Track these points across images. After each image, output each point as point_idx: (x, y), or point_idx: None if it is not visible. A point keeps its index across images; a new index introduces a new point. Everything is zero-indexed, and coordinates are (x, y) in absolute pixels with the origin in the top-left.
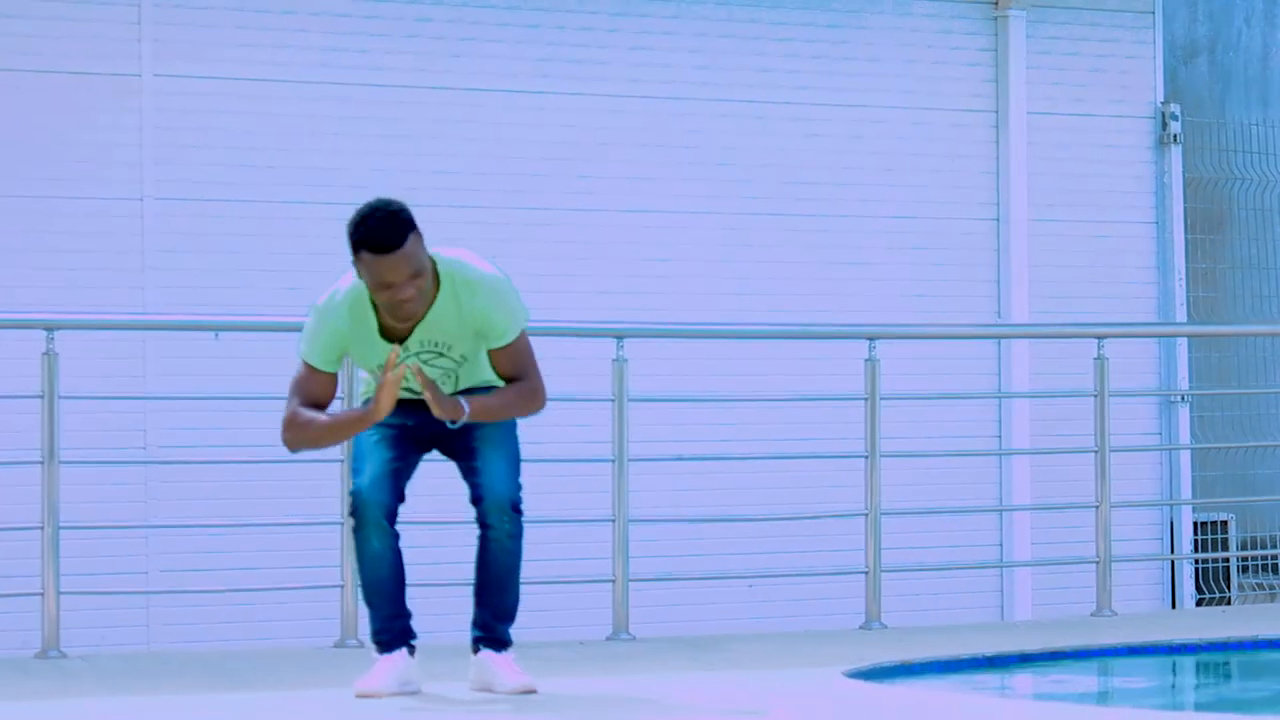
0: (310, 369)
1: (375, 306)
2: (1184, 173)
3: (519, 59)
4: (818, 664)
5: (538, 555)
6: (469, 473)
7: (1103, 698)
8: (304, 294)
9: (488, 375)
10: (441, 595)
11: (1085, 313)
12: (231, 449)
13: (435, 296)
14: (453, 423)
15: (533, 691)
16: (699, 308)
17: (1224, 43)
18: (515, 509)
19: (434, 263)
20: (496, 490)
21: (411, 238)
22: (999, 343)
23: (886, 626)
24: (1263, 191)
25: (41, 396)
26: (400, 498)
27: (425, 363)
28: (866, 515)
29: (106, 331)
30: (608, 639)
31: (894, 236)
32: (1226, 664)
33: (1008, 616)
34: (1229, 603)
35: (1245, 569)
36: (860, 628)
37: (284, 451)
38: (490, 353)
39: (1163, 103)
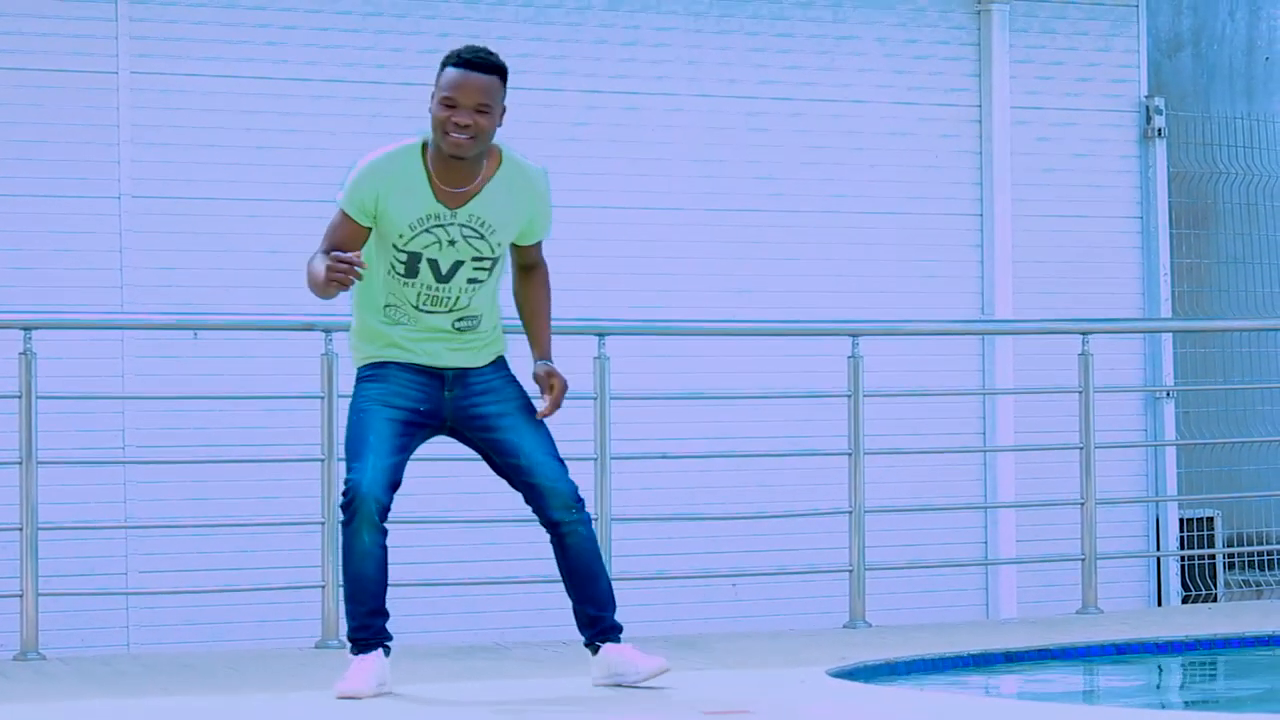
0: (342, 215)
1: (426, 164)
2: (1168, 167)
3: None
4: (801, 663)
5: (520, 555)
6: (515, 471)
7: (1088, 696)
8: (284, 293)
9: (491, 299)
10: (418, 596)
11: (1069, 308)
12: (211, 449)
13: (494, 174)
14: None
15: (666, 670)
16: (681, 305)
17: (1208, 36)
18: (578, 499)
19: (501, 150)
20: (558, 488)
21: (496, 81)
22: (983, 339)
23: (871, 625)
24: (1247, 186)
25: (19, 396)
26: (395, 491)
27: (465, 239)
28: (850, 513)
29: (84, 331)
30: None
31: (877, 232)
32: (1213, 662)
33: (992, 615)
34: (1215, 600)
35: (1231, 565)
36: (844, 626)
37: (263, 452)
38: (522, 248)
39: (1147, 96)
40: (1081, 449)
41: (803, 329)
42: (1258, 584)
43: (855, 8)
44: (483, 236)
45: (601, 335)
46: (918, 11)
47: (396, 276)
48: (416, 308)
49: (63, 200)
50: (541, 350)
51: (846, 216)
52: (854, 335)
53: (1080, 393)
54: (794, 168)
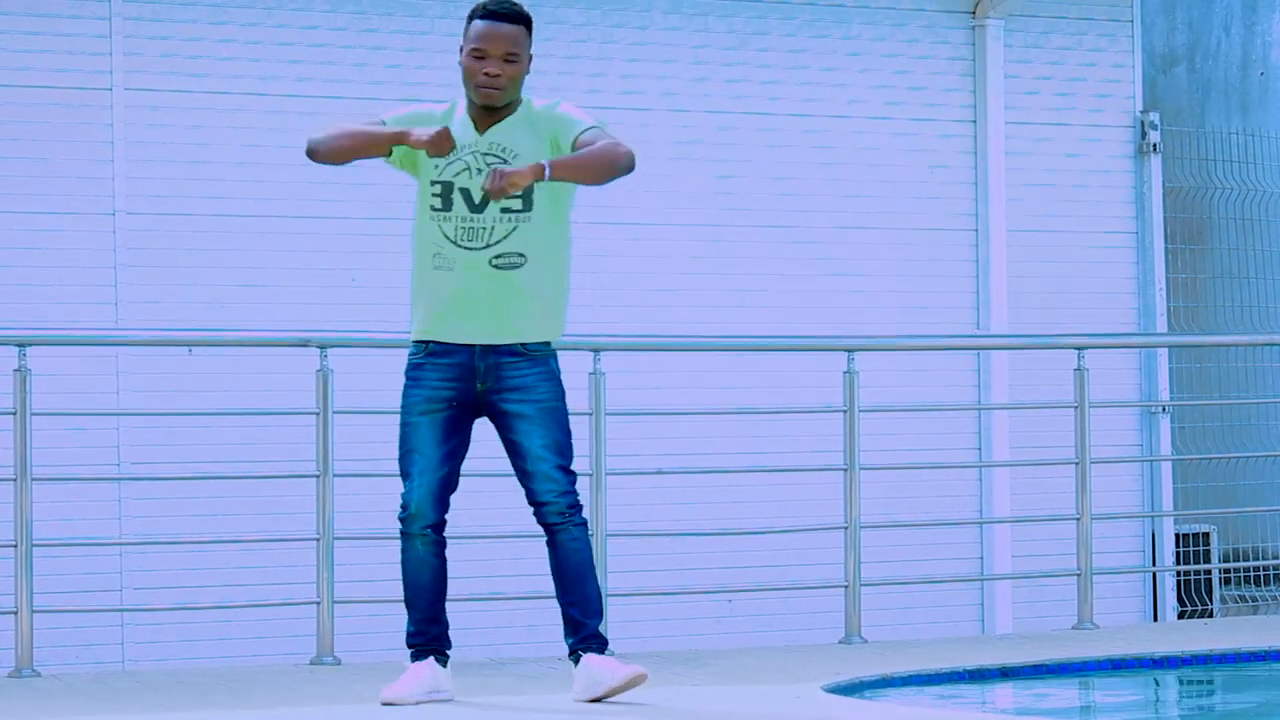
0: (380, 123)
1: (465, 111)
2: (1164, 182)
3: None
4: (797, 679)
5: (516, 571)
6: (519, 474)
7: (1084, 711)
8: (277, 310)
9: (543, 236)
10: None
11: (1065, 323)
12: (206, 465)
13: (514, 112)
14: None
15: (643, 678)
16: (677, 320)
17: (1203, 51)
18: (572, 507)
19: (525, 97)
20: (552, 499)
21: (522, 30)
22: (978, 354)
23: (866, 640)
24: (1243, 201)
25: (14, 413)
26: (449, 500)
27: (489, 166)
28: (846, 528)
29: (79, 347)
30: None
31: (873, 247)
32: (1208, 677)
33: (988, 630)
34: (1211, 615)
35: (1227, 581)
36: (840, 642)
37: (258, 468)
38: (574, 144)
39: (1142, 112)
40: (1077, 464)
41: (798, 344)
42: (1254, 599)
43: (849, 23)
44: (505, 161)
45: (597, 351)
46: (912, 27)
47: (435, 214)
48: (455, 243)
49: (57, 217)
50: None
51: (841, 231)
52: (849, 350)
53: (1076, 408)
54: (790, 183)
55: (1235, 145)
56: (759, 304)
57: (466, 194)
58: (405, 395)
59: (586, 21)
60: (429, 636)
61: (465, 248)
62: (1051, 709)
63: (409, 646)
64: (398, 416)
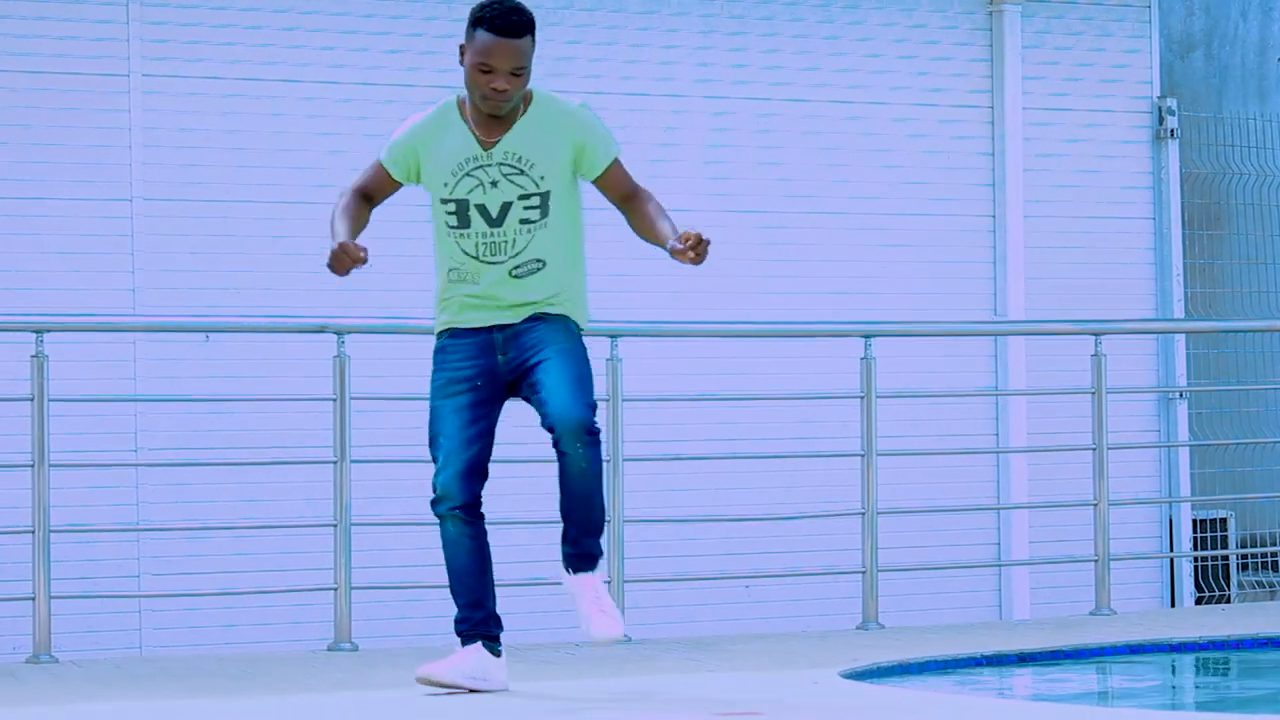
0: (377, 165)
1: (463, 115)
2: (1181, 168)
3: None
4: (814, 664)
5: (532, 557)
6: (536, 403)
7: (1101, 697)
8: (294, 295)
9: (559, 238)
10: (433, 598)
11: (1082, 309)
12: (223, 451)
13: (525, 111)
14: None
15: (614, 641)
16: (694, 306)
17: (1221, 36)
18: (588, 432)
19: (532, 90)
20: (565, 418)
21: (528, 41)
22: (996, 340)
23: (883, 626)
24: (1260, 186)
25: (31, 399)
26: (483, 478)
27: (505, 177)
28: (863, 514)
29: (96, 334)
30: None
31: (889, 234)
32: (1226, 662)
33: (1006, 616)
34: (1228, 601)
35: (1245, 566)
36: (857, 628)
37: (275, 454)
38: (604, 180)
39: (1159, 97)
40: (1094, 450)
41: (816, 330)
42: (1271, 585)
43: (869, 9)
44: (522, 172)
45: (614, 337)
46: (928, 12)
47: (452, 231)
48: (476, 259)
49: (74, 203)
50: (670, 234)
51: (859, 218)
52: (867, 336)
53: (1093, 394)
54: (806, 169)
55: (1253, 130)
56: (776, 290)
57: (483, 209)
58: (432, 380)
59: (620, 7)
60: (473, 622)
61: (488, 262)
62: (1069, 694)
63: (456, 634)
64: (414, 402)
